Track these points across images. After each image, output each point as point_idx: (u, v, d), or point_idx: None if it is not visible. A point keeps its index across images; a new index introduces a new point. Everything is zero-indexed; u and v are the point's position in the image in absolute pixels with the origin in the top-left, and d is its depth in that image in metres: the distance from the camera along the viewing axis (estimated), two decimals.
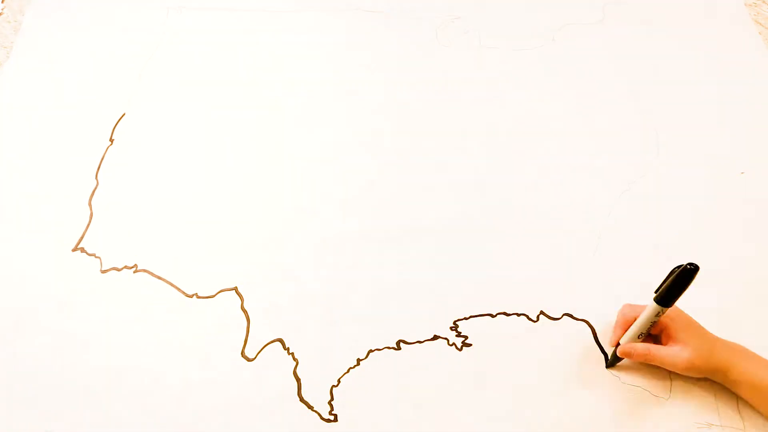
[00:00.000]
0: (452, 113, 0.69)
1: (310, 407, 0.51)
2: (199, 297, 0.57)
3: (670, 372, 0.51)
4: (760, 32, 0.74)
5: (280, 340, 0.54)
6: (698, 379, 0.51)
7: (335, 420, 0.50)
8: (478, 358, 0.53)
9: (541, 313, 0.55)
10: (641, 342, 0.50)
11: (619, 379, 0.52)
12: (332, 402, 0.51)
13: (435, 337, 0.54)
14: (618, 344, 0.51)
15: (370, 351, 0.53)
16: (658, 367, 0.51)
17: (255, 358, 0.53)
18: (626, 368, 0.52)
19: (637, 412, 0.50)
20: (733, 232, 0.59)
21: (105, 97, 0.70)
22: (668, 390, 0.51)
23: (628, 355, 0.50)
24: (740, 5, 0.76)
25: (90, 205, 0.63)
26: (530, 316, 0.55)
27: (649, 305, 0.48)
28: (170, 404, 0.51)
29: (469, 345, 0.54)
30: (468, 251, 0.59)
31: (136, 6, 0.78)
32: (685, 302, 0.55)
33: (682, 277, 0.45)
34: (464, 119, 0.68)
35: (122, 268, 0.58)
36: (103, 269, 0.58)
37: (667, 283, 0.47)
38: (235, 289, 0.57)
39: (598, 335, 0.54)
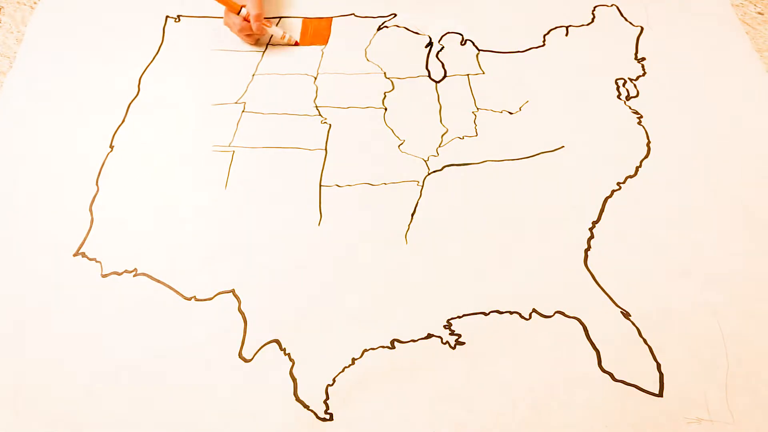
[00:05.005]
0: (445, 115, 0.70)
1: (306, 407, 0.52)
2: (197, 299, 0.58)
3: (659, 368, 0.52)
4: (747, 32, 0.75)
5: (277, 341, 0.55)
6: (688, 376, 0.52)
7: (331, 419, 0.51)
8: (472, 356, 0.54)
9: (534, 311, 0.56)
10: None
11: (611, 376, 0.52)
12: (328, 401, 0.52)
13: (429, 336, 0.55)
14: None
15: (365, 350, 0.54)
16: (648, 364, 0.52)
17: (252, 359, 0.54)
18: (617, 365, 0.53)
19: (627, 408, 0.51)
20: (724, 230, 0.60)
21: (105, 104, 0.72)
22: (658, 386, 0.52)
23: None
24: (727, 5, 0.77)
25: (91, 210, 0.64)
26: (523, 314, 0.56)
27: None
28: (169, 404, 0.52)
29: (463, 343, 0.54)
30: (461, 250, 0.60)
31: (135, 15, 0.80)
32: (681, 301, 0.56)
33: None
34: (457, 121, 0.69)
35: (122, 272, 0.59)
36: (103, 273, 0.59)
37: None
38: (233, 291, 0.58)
39: (589, 333, 0.55)
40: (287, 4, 0.80)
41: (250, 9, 0.71)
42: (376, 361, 0.54)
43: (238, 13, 0.71)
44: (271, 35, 0.75)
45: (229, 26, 0.74)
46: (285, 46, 0.76)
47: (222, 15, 0.79)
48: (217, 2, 0.72)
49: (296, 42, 0.76)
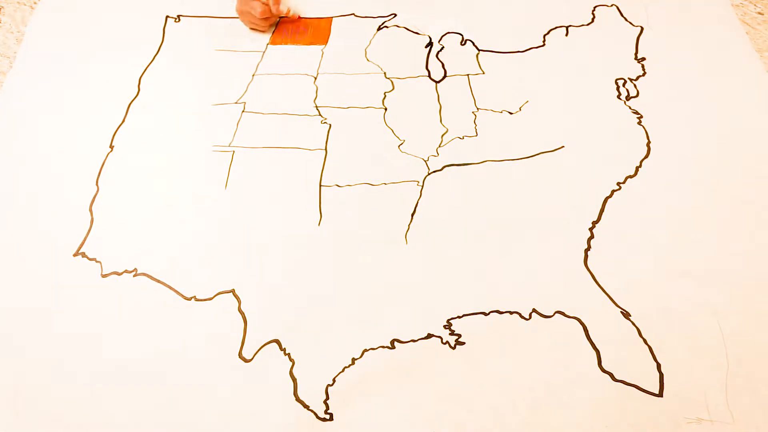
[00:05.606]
0: (445, 115, 0.70)
1: (306, 407, 0.52)
2: (197, 299, 0.58)
3: (659, 368, 0.52)
4: (747, 32, 0.75)
5: (277, 341, 0.55)
6: (688, 376, 0.52)
7: (331, 419, 0.51)
8: (472, 356, 0.54)
9: (534, 311, 0.56)
10: None
11: (611, 376, 0.52)
12: (328, 401, 0.52)
13: (429, 336, 0.55)
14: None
15: (365, 350, 0.54)
16: (648, 364, 0.52)
17: (252, 359, 0.54)
18: (617, 365, 0.53)
19: (627, 408, 0.51)
20: (724, 230, 0.60)
21: (105, 104, 0.72)
22: (658, 386, 0.52)
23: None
24: (727, 6, 0.77)
25: (91, 210, 0.64)
26: (523, 314, 0.56)
27: None
28: (169, 404, 0.52)
29: (463, 343, 0.54)
30: (461, 250, 0.60)
31: (135, 15, 0.80)
32: (681, 301, 0.56)
33: None
34: (457, 121, 0.69)
35: (122, 272, 0.59)
36: (103, 273, 0.59)
37: None
38: (233, 291, 0.58)
39: (589, 333, 0.55)
40: (287, 5, 0.80)
41: None
42: (376, 361, 0.54)
43: None
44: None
45: (243, 13, 0.75)
46: (285, 46, 0.76)
47: (223, 16, 0.79)
48: None
49: (299, 17, 0.78)
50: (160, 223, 0.62)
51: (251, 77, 0.74)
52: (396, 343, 0.55)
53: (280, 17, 0.78)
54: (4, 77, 0.75)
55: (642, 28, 0.76)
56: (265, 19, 0.75)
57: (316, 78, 0.73)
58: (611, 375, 0.52)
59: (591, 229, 0.60)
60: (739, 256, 0.58)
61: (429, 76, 0.73)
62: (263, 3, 0.74)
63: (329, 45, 0.76)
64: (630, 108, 0.69)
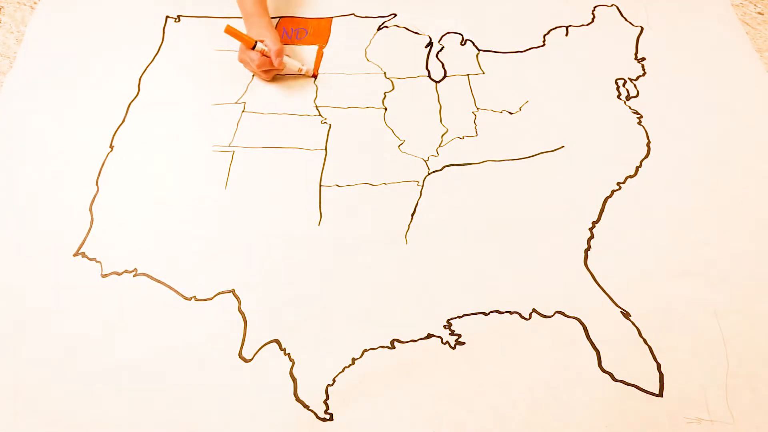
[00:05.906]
0: (445, 115, 0.70)
1: (306, 407, 0.52)
2: (197, 299, 0.58)
3: (659, 368, 0.52)
4: (747, 32, 0.75)
5: (277, 341, 0.55)
6: (688, 376, 0.52)
7: (331, 419, 0.51)
8: (472, 356, 0.54)
9: (534, 311, 0.56)
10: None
11: (611, 376, 0.52)
12: (328, 401, 0.52)
13: (429, 336, 0.55)
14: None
15: (365, 350, 0.54)
16: (648, 364, 0.52)
17: (252, 359, 0.54)
18: (617, 365, 0.53)
19: (627, 408, 0.51)
20: (724, 230, 0.60)
21: (105, 104, 0.72)
22: (658, 386, 0.52)
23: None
24: (727, 5, 0.77)
25: (91, 210, 0.64)
26: (523, 314, 0.56)
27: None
28: (169, 404, 0.52)
29: (463, 343, 0.54)
30: (461, 250, 0.60)
31: (135, 15, 0.80)
32: (681, 301, 0.56)
33: None
34: (457, 121, 0.69)
35: (122, 272, 0.59)
36: (103, 273, 0.59)
37: None
38: (233, 291, 0.58)
39: (589, 333, 0.55)
40: (288, 4, 0.80)
41: (269, 44, 0.68)
42: (376, 361, 0.54)
43: (253, 48, 0.68)
44: (287, 68, 0.71)
45: (244, 62, 0.71)
46: (285, 46, 0.76)
47: (223, 16, 0.79)
48: (232, 38, 0.68)
49: (314, 74, 0.73)
50: (160, 223, 0.63)
51: (251, 77, 0.74)
52: (396, 343, 0.55)
53: (310, 74, 0.72)
54: (4, 77, 0.75)
55: (642, 28, 0.76)
56: (266, 71, 0.70)
57: (316, 78, 0.73)
58: (611, 375, 0.52)
59: (591, 229, 0.61)
60: (739, 256, 0.58)
61: (429, 76, 0.73)
62: (262, 55, 0.68)
63: (329, 45, 0.76)
64: (630, 108, 0.69)
